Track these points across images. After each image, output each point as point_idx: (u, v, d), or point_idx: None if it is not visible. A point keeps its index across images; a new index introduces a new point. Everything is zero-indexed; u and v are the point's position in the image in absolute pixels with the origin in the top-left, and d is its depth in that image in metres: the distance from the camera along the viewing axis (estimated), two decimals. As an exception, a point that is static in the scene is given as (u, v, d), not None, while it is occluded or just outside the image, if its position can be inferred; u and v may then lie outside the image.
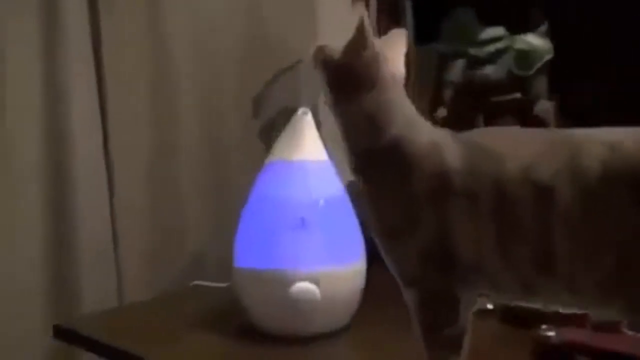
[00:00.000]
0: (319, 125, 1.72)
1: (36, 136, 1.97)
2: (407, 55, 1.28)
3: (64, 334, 1.78)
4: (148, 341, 1.66)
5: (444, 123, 1.26)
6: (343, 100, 1.23)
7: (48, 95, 1.98)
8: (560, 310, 1.37)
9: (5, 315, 1.91)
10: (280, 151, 1.70)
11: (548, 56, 1.88)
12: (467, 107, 1.89)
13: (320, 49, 1.25)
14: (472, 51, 1.90)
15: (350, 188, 1.71)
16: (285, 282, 1.59)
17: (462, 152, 1.17)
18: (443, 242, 1.16)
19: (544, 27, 1.90)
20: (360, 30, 1.19)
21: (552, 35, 1.90)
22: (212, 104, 2.28)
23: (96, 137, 2.07)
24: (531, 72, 1.87)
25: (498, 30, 1.90)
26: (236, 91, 2.29)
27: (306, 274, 1.60)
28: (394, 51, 1.26)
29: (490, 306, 1.55)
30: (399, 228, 1.20)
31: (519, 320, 1.54)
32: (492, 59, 1.88)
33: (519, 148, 1.13)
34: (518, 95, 1.88)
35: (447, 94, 1.91)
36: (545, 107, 1.88)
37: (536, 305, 1.21)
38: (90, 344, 1.73)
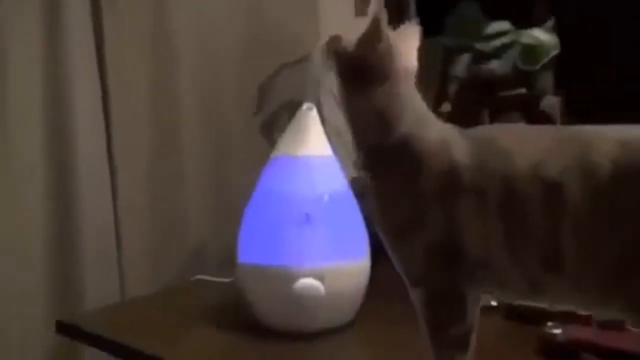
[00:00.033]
0: (322, 121, 1.71)
1: (38, 135, 1.97)
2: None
3: (67, 329, 1.78)
4: (150, 336, 1.66)
5: (448, 118, 1.25)
6: (354, 94, 1.22)
7: (50, 94, 1.98)
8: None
9: (9, 311, 1.92)
10: (285, 146, 1.69)
11: (554, 51, 1.87)
12: (472, 102, 1.88)
13: (334, 40, 1.23)
14: (478, 46, 1.89)
15: (354, 184, 1.71)
16: (289, 278, 1.59)
17: (471, 148, 1.16)
18: (450, 239, 1.16)
19: (550, 22, 1.89)
20: (375, 22, 1.18)
21: (559, 30, 1.89)
22: (214, 101, 2.29)
23: (98, 136, 2.07)
24: (537, 67, 1.87)
25: (504, 25, 1.90)
26: (238, 88, 2.30)
27: (310, 270, 1.60)
28: (407, 45, 1.24)
29: (494, 303, 1.55)
30: (405, 226, 1.20)
31: (523, 317, 1.54)
32: (497, 53, 1.87)
33: (528, 145, 1.13)
34: (523, 90, 1.87)
35: (452, 88, 1.91)
36: (551, 102, 1.87)
37: (541, 304, 1.20)
38: (93, 339, 1.72)
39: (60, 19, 1.97)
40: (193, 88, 2.23)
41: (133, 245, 2.13)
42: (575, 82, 1.93)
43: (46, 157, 1.98)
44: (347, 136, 1.90)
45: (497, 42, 1.87)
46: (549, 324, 1.48)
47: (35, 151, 1.97)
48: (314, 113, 1.68)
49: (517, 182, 1.10)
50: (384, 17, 1.18)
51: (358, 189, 1.65)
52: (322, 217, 1.63)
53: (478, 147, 1.16)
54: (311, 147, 1.68)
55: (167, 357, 1.55)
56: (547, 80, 1.89)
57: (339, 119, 1.90)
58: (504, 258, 1.13)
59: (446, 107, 1.85)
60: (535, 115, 1.83)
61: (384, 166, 1.21)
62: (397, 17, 1.21)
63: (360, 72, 1.21)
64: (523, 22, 1.90)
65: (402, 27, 1.26)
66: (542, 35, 1.88)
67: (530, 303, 1.21)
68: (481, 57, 1.88)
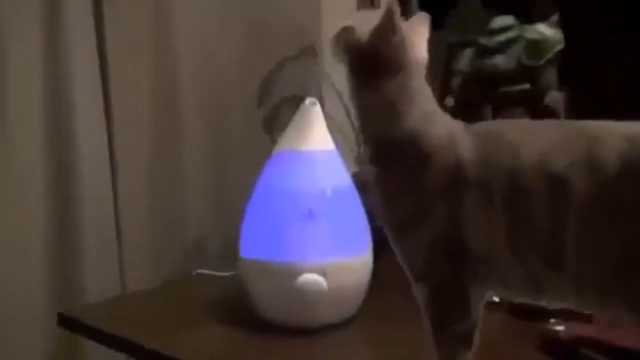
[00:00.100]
0: (325, 116, 1.71)
1: (39, 135, 1.97)
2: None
3: (67, 323, 1.78)
4: (150, 330, 1.66)
5: (451, 112, 1.25)
6: (365, 86, 1.22)
7: (50, 94, 1.98)
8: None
9: (11, 305, 1.92)
10: (288, 141, 1.69)
11: (559, 46, 1.86)
12: (475, 96, 1.88)
13: (347, 31, 1.22)
14: (482, 40, 1.88)
15: (356, 178, 1.70)
16: (292, 273, 1.59)
17: (475, 143, 1.16)
18: (454, 235, 1.16)
19: (555, 17, 1.88)
20: (389, 14, 1.17)
21: (563, 25, 1.88)
22: (215, 100, 2.29)
23: (99, 135, 2.07)
24: (541, 62, 1.86)
25: (508, 20, 1.89)
26: (239, 84, 2.29)
27: (313, 265, 1.60)
28: (417, 36, 1.24)
29: (496, 299, 1.55)
30: (409, 221, 1.20)
31: (526, 313, 1.54)
32: (501, 48, 1.86)
33: (535, 139, 1.13)
34: (527, 85, 1.87)
35: (456, 83, 1.90)
36: (555, 97, 1.86)
37: (542, 303, 1.20)
38: (93, 333, 1.73)
39: (60, 18, 1.96)
40: (194, 83, 2.23)
41: (134, 239, 2.13)
42: (579, 77, 1.93)
43: (46, 156, 1.99)
44: (349, 131, 1.90)
45: (502, 37, 1.86)
46: (552, 320, 1.49)
47: (35, 151, 1.97)
48: (317, 108, 1.68)
49: (523, 176, 1.10)
50: (397, 9, 1.17)
51: (360, 183, 1.65)
52: (325, 212, 1.63)
53: (484, 141, 1.16)
54: (314, 142, 1.67)
55: (167, 351, 1.56)
56: (551, 75, 1.88)
57: (341, 114, 1.90)
58: (506, 255, 1.13)
59: (449, 101, 1.85)
60: (539, 111, 1.82)
61: (390, 160, 1.21)
62: (400, 11, 1.20)
63: (372, 64, 1.20)
64: (527, 16, 1.89)
65: (413, 18, 1.25)
66: (546, 30, 1.87)
67: (531, 301, 1.20)
68: (485, 52, 1.87)
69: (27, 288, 1.95)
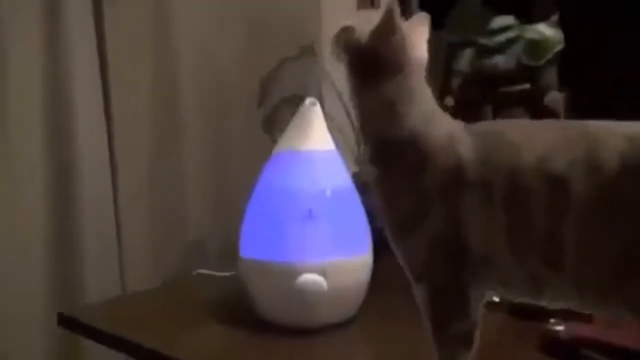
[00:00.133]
0: (324, 116, 1.70)
1: (39, 135, 1.97)
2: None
3: (67, 322, 1.78)
4: (150, 330, 1.66)
5: (451, 112, 1.24)
6: (365, 86, 1.21)
7: (50, 94, 1.98)
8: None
9: (12, 305, 1.92)
10: (289, 141, 1.69)
11: (559, 47, 1.86)
12: (475, 96, 1.87)
13: (347, 31, 1.22)
14: (482, 40, 1.88)
15: (356, 179, 1.70)
16: (292, 273, 1.59)
17: (475, 143, 1.16)
18: (454, 235, 1.16)
19: (555, 17, 1.88)
20: (389, 13, 1.17)
21: (563, 25, 1.88)
22: (215, 96, 2.29)
23: (99, 135, 2.07)
24: (541, 62, 1.86)
25: (508, 20, 1.88)
26: (239, 84, 2.29)
27: (313, 266, 1.59)
28: (417, 36, 1.23)
29: (496, 299, 1.54)
30: (409, 221, 1.20)
31: (526, 313, 1.53)
32: (501, 48, 1.86)
33: (535, 139, 1.13)
34: (527, 85, 1.86)
35: (455, 83, 1.90)
36: (555, 98, 1.86)
37: (542, 303, 1.19)
38: (93, 333, 1.72)
39: (60, 18, 1.97)
40: (193, 88, 2.23)
41: (134, 240, 2.13)
42: (579, 77, 1.92)
43: (46, 156, 1.99)
44: (349, 131, 1.90)
45: (502, 37, 1.86)
46: (552, 320, 1.48)
47: (35, 151, 1.97)
48: (317, 108, 1.67)
49: (523, 176, 1.10)
50: (398, 9, 1.17)
51: (360, 183, 1.65)
52: (325, 212, 1.63)
53: (484, 141, 1.16)
54: (314, 142, 1.67)
55: (167, 351, 1.55)
56: (551, 75, 1.87)
57: (341, 113, 1.90)
58: (506, 255, 1.13)
59: (449, 101, 1.85)
60: (539, 111, 1.82)
61: (390, 160, 1.21)
62: (400, 11, 1.20)
63: (372, 64, 1.20)
64: (527, 16, 1.89)
65: (413, 18, 1.25)
66: (546, 30, 1.87)
67: (532, 301, 1.20)
68: (485, 52, 1.87)
69: (27, 288, 1.95)
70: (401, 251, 1.22)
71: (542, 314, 1.44)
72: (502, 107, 1.85)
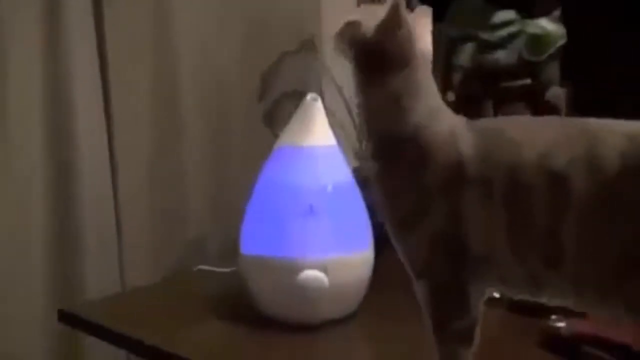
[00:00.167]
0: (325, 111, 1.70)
1: (39, 135, 1.97)
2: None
3: (68, 319, 1.77)
4: (151, 326, 1.65)
5: (452, 107, 1.24)
6: (371, 81, 1.21)
7: (51, 94, 1.98)
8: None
9: (11, 305, 1.92)
10: (290, 136, 1.68)
11: (561, 42, 1.86)
12: (476, 92, 1.87)
13: (352, 25, 1.21)
14: (483, 35, 1.87)
15: (356, 173, 1.70)
16: (293, 269, 1.59)
17: (476, 139, 1.16)
18: (454, 232, 1.15)
19: (557, 12, 1.88)
20: (395, 8, 1.16)
21: (565, 20, 1.88)
22: (215, 96, 2.29)
23: (99, 135, 2.07)
24: (543, 57, 1.85)
25: (509, 14, 1.88)
26: (239, 84, 2.29)
27: (314, 262, 1.59)
28: (421, 28, 1.23)
29: (496, 295, 1.54)
30: (410, 218, 1.19)
31: (526, 309, 1.53)
32: (503, 43, 1.86)
33: (536, 136, 1.12)
34: (529, 81, 1.86)
35: (456, 78, 1.90)
36: (556, 93, 1.86)
37: (542, 300, 1.19)
38: (93, 329, 1.72)
39: (60, 18, 1.96)
40: (193, 88, 2.23)
41: (134, 240, 2.13)
42: (581, 73, 1.92)
43: (46, 156, 1.99)
44: (349, 127, 1.90)
45: (503, 32, 1.86)
46: (553, 317, 1.48)
47: (35, 151, 1.97)
48: (319, 103, 1.67)
49: (523, 172, 1.10)
50: (403, 2, 1.17)
51: (360, 178, 1.65)
52: (326, 208, 1.63)
53: (485, 138, 1.16)
54: (316, 138, 1.67)
55: (167, 347, 1.55)
56: (553, 70, 1.87)
57: (341, 108, 1.90)
58: (506, 253, 1.12)
59: (450, 96, 1.84)
60: (540, 106, 1.82)
61: (392, 156, 1.20)
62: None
63: (379, 59, 1.19)
64: (529, 11, 1.89)
65: (416, 11, 1.24)
66: (548, 25, 1.87)
67: (531, 299, 1.20)
68: (486, 47, 1.87)
69: (27, 288, 1.95)
70: (402, 247, 1.22)
71: (543, 311, 1.43)
72: (503, 103, 1.84)
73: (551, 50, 1.86)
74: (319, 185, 1.64)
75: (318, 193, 1.63)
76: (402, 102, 1.19)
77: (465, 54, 1.89)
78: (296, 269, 1.59)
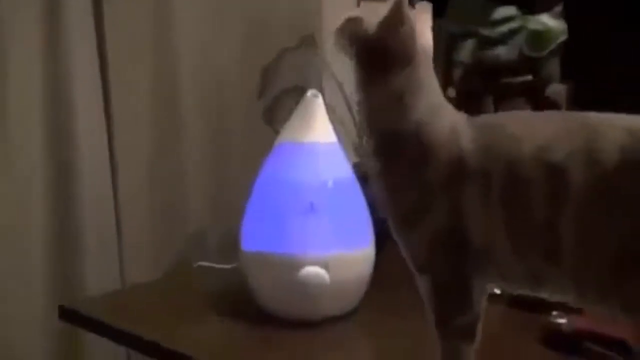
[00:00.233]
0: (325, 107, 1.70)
1: (39, 135, 1.97)
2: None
3: (68, 315, 1.77)
4: (151, 322, 1.65)
5: (453, 103, 1.24)
6: (373, 77, 1.20)
7: (51, 94, 1.98)
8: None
9: (13, 298, 1.92)
10: (290, 133, 1.68)
11: (562, 38, 1.86)
12: (476, 87, 1.87)
13: (354, 21, 1.21)
14: (484, 31, 1.87)
15: (356, 169, 1.70)
16: (294, 266, 1.59)
17: (476, 135, 1.16)
18: (456, 228, 1.15)
19: (558, 8, 1.88)
20: (397, 4, 1.16)
21: (566, 16, 1.88)
22: (215, 96, 2.29)
23: (99, 135, 2.07)
24: (544, 53, 1.85)
25: (510, 10, 1.88)
26: (239, 84, 2.29)
27: (315, 258, 1.59)
28: (422, 24, 1.22)
29: (497, 291, 1.54)
30: (412, 214, 1.19)
31: (527, 305, 1.53)
32: (503, 39, 1.86)
33: (536, 130, 1.12)
34: (529, 77, 1.86)
35: (457, 74, 1.90)
36: (557, 89, 1.86)
37: (543, 296, 1.19)
38: (94, 325, 1.72)
39: (60, 18, 1.96)
40: (193, 88, 2.23)
41: (134, 240, 2.13)
42: (582, 70, 1.92)
43: (46, 156, 1.99)
44: (349, 123, 1.90)
45: (504, 28, 1.85)
46: (554, 313, 1.48)
47: (35, 151, 1.97)
48: (320, 100, 1.67)
49: (522, 166, 1.10)
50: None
51: (360, 174, 1.65)
52: (327, 204, 1.63)
53: (485, 134, 1.16)
54: (317, 134, 1.67)
55: (167, 343, 1.55)
56: (553, 67, 1.87)
57: (341, 104, 1.90)
58: (506, 247, 1.12)
59: (451, 92, 1.84)
60: (541, 102, 1.82)
61: (394, 153, 1.20)
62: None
63: (381, 56, 1.19)
64: (530, 7, 1.89)
65: (417, 7, 1.24)
66: (549, 21, 1.86)
67: (532, 294, 1.20)
68: (487, 43, 1.86)
69: (28, 288, 1.95)
70: (404, 243, 1.22)
71: (544, 307, 1.43)
72: (504, 99, 1.84)
73: (552, 47, 1.86)
74: (319, 181, 1.64)
75: (319, 189, 1.63)
76: (405, 99, 1.18)
77: (466, 50, 1.89)
78: (297, 265, 1.58)
